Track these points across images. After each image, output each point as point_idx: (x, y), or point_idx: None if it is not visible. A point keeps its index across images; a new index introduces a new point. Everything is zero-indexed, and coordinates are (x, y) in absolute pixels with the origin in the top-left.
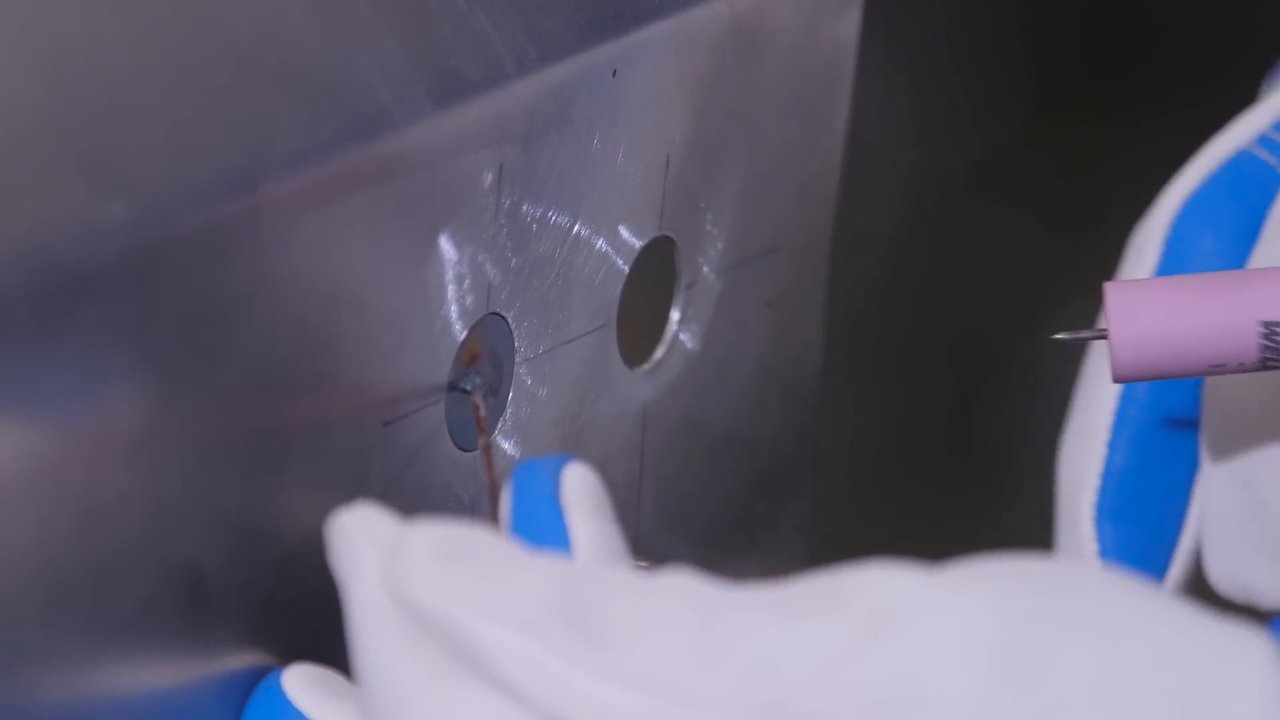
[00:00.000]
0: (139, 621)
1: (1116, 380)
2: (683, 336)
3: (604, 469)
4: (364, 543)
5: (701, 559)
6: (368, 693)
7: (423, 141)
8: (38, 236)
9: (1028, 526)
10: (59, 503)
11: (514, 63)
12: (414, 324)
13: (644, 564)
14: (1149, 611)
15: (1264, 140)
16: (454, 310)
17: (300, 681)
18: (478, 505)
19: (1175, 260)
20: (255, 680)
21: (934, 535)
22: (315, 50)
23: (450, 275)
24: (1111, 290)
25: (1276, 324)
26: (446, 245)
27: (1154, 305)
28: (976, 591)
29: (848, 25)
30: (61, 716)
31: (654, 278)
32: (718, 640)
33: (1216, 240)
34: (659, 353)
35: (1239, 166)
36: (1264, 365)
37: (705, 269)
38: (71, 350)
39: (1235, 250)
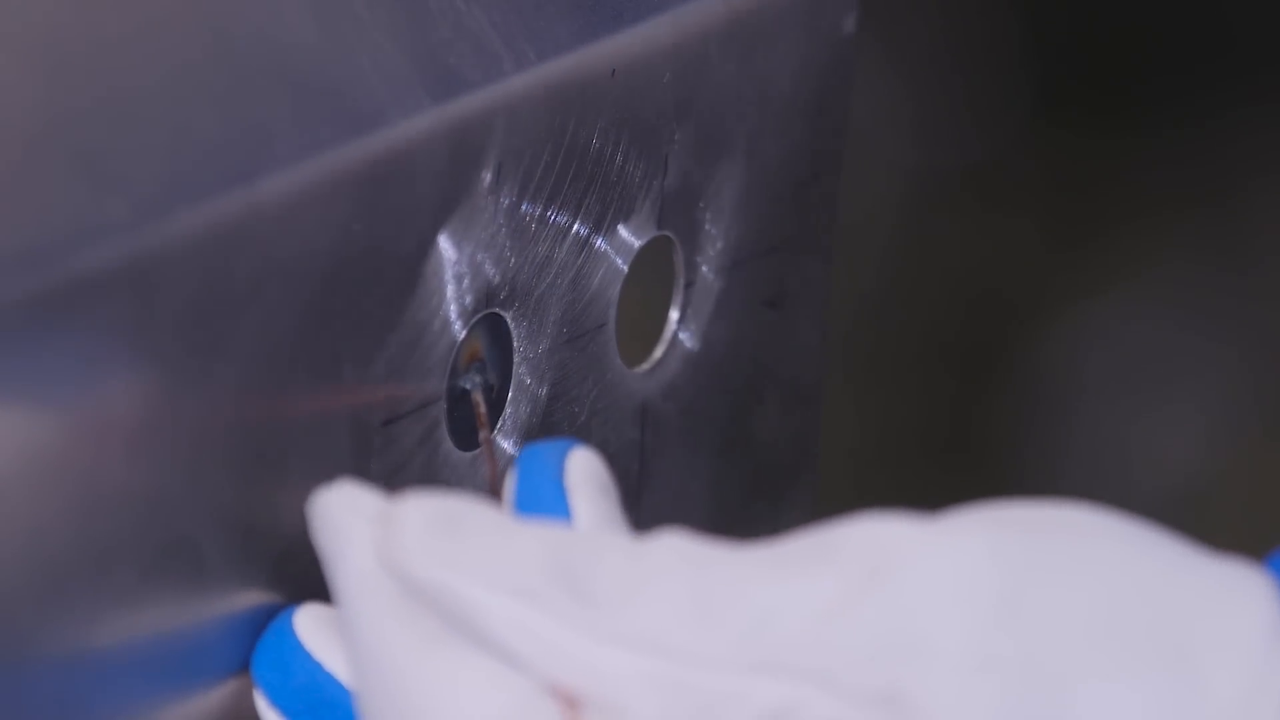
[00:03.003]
0: (136, 608)
1: None
2: (682, 336)
3: None
4: (351, 517)
5: None
6: (361, 664)
7: (421, 140)
8: (37, 235)
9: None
10: (59, 498)
11: (512, 62)
12: (413, 324)
13: None
14: (1145, 551)
15: None
16: (453, 309)
17: (312, 621)
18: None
19: None
20: (264, 618)
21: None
22: (313, 50)
23: (449, 274)
24: None
25: None
26: (445, 245)
27: None
28: (972, 537)
29: (846, 25)
30: (63, 682)
31: (653, 277)
32: (713, 598)
33: None
34: (658, 352)
35: None
36: None
37: (704, 269)
38: (71, 348)
39: None
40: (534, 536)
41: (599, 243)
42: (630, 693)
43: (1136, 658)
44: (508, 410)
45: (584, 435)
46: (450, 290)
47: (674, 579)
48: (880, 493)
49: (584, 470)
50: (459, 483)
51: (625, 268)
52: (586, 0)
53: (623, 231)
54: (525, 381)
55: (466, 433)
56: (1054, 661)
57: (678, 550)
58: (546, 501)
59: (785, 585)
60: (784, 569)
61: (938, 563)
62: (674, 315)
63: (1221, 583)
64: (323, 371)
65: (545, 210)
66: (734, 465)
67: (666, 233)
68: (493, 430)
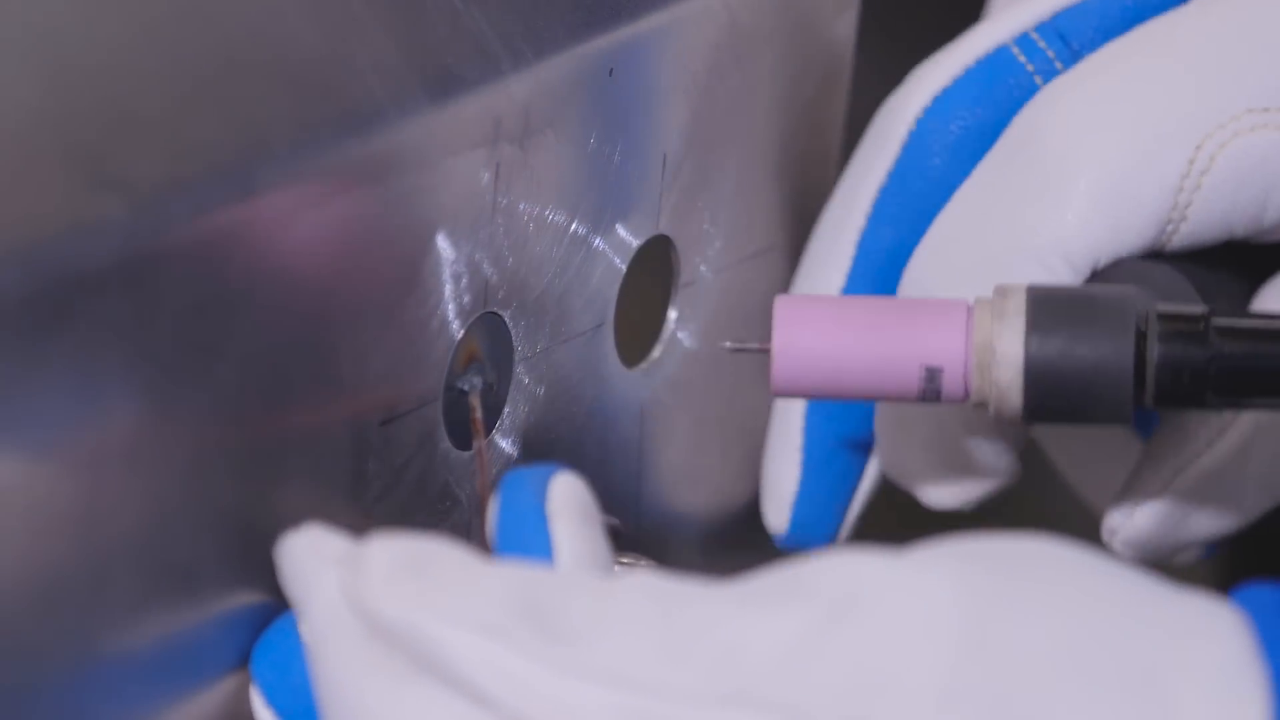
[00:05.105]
0: (137, 609)
1: (774, 394)
2: (680, 335)
3: (602, 469)
4: (317, 561)
5: (701, 558)
6: (329, 708)
7: (419, 140)
8: (33, 236)
9: (1028, 525)
10: (58, 500)
11: (510, 61)
12: (411, 323)
13: (627, 561)
14: (1109, 586)
15: (1023, 41)
16: (451, 309)
17: None
18: (475, 505)
19: (916, 154)
20: (264, 616)
21: (933, 534)
22: (311, 49)
23: (447, 274)
24: (781, 304)
25: (937, 368)
26: (443, 244)
27: (819, 330)
28: (938, 573)
29: (845, 25)
30: (65, 687)
31: (651, 276)
32: (682, 632)
33: (960, 140)
34: (656, 352)
35: (995, 64)
36: (921, 399)
37: (703, 268)
38: (68, 350)
39: (975, 151)
40: (501, 575)
41: (597, 242)
42: None
43: (1105, 692)
44: (506, 410)
45: (582, 435)
46: (448, 289)
47: (642, 614)
48: (879, 492)
49: (566, 497)
50: (457, 482)
51: (624, 267)
52: (584, 0)
53: (621, 231)
54: (523, 381)
55: (465, 432)
56: (1021, 697)
57: (646, 587)
58: (528, 529)
59: (754, 620)
60: (753, 604)
61: (903, 599)
62: (672, 315)
63: (1189, 615)
64: (321, 371)
65: (543, 210)
66: (733, 464)
67: (665, 232)
68: (489, 433)
